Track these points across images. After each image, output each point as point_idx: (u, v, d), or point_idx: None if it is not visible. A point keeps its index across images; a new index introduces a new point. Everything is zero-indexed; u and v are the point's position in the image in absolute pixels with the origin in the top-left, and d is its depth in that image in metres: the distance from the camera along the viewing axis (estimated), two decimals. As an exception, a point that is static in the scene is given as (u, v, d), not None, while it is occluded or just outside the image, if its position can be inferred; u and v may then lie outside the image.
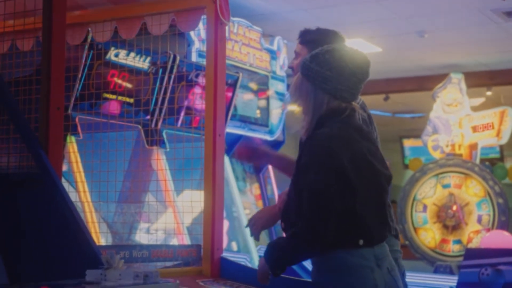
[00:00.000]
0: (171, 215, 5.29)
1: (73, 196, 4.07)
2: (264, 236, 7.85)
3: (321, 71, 2.73)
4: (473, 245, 9.07)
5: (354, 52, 2.81)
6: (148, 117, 5.48)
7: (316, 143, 2.67)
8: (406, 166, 13.74)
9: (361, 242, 2.65)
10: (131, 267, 2.80)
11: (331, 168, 2.61)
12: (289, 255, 2.71)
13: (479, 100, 11.20)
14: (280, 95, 7.79)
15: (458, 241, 9.50)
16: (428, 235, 9.64)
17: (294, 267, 5.69)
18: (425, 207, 9.70)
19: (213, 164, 3.71)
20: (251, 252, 6.80)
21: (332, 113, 2.73)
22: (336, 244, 2.64)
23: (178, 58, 5.56)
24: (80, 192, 4.81)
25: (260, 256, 6.73)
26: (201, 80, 5.44)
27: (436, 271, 9.20)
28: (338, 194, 2.60)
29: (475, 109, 10.22)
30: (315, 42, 3.24)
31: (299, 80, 2.82)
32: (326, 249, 2.65)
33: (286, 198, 2.88)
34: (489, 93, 11.09)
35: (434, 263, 9.45)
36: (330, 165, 2.61)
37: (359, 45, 8.99)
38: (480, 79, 10.63)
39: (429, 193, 9.68)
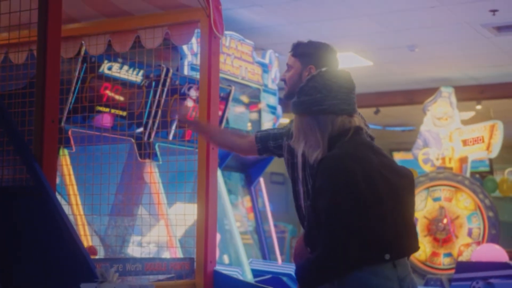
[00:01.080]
0: (163, 228, 5.28)
1: (65, 209, 4.06)
2: (256, 250, 7.85)
3: (312, 97, 2.79)
4: (463, 258, 9.09)
5: (332, 70, 2.89)
6: (141, 130, 5.49)
7: (329, 165, 2.69)
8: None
9: (387, 256, 2.63)
10: (125, 280, 2.80)
11: (346, 187, 2.63)
12: (316, 275, 2.69)
13: (469, 114, 11.27)
14: (272, 108, 7.82)
15: (449, 254, 9.52)
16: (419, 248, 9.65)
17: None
18: (416, 220, 9.71)
19: (207, 177, 3.72)
20: (243, 265, 6.79)
21: (339, 134, 2.77)
22: (360, 261, 2.62)
23: (171, 71, 5.57)
24: (73, 205, 4.80)
25: (252, 270, 6.73)
26: (194, 93, 5.45)
27: (427, 284, 9.21)
28: (354, 212, 2.61)
29: (465, 122, 10.28)
30: (308, 55, 3.27)
31: (297, 121, 2.85)
32: (349, 267, 2.63)
33: (300, 240, 2.90)
34: (479, 107, 11.15)
35: (425, 276, 9.47)
36: (345, 185, 2.63)
37: (350, 59, 9.04)
38: (470, 93, 10.70)
39: (419, 206, 9.70)
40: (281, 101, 8.11)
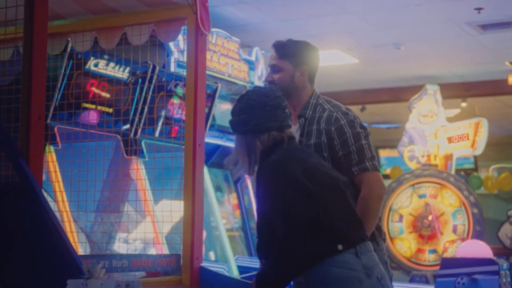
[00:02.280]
0: (149, 225, 5.28)
1: (51, 206, 4.06)
2: (242, 246, 7.86)
3: (240, 118, 2.93)
4: (448, 254, 9.14)
5: (257, 89, 3.01)
6: (127, 126, 5.48)
7: (266, 169, 2.82)
8: (383, 176, 13.82)
9: (340, 247, 2.70)
10: (112, 276, 2.80)
11: (288, 184, 2.73)
12: (278, 279, 2.73)
13: (454, 111, 11.32)
14: (258, 106, 7.81)
15: (434, 251, 9.58)
16: (404, 244, 9.71)
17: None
18: (401, 217, 9.76)
19: (193, 173, 3.73)
20: (229, 262, 6.80)
21: (274, 145, 2.88)
22: (318, 254, 2.68)
23: (157, 68, 5.57)
24: (59, 201, 4.79)
25: (238, 266, 6.74)
26: (180, 90, 5.46)
27: (412, 280, 9.26)
28: (302, 205, 2.70)
29: (450, 120, 10.33)
30: (297, 56, 3.23)
31: (236, 141, 2.99)
32: (309, 262, 2.69)
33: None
34: (464, 104, 11.21)
35: (410, 272, 9.52)
36: (286, 182, 2.73)
37: (336, 56, 9.06)
38: (455, 90, 10.76)
39: (405, 203, 9.75)
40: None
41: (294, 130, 3.21)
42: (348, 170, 3.08)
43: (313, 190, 2.73)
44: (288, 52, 3.25)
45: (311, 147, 3.10)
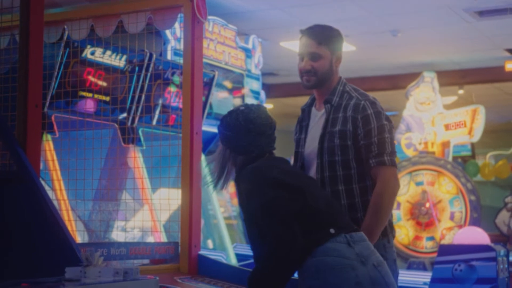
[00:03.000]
0: (147, 213, 5.29)
1: (49, 194, 4.06)
2: (240, 235, 7.88)
3: (224, 132, 2.97)
4: (446, 241, 9.17)
5: (248, 110, 2.97)
6: (125, 115, 5.48)
7: (245, 176, 2.87)
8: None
9: (332, 230, 2.72)
10: (110, 264, 2.80)
11: (268, 183, 2.77)
12: (273, 277, 2.72)
13: (452, 99, 11.33)
14: (255, 93, 7.82)
15: (431, 238, 9.61)
16: (402, 232, 9.73)
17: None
18: (398, 204, 9.78)
19: (191, 161, 3.72)
20: (227, 250, 6.82)
21: (254, 158, 2.92)
22: (310, 243, 2.69)
23: (154, 56, 5.55)
24: (57, 190, 4.80)
25: (236, 254, 6.76)
26: (177, 78, 5.45)
27: (410, 267, 9.29)
28: (286, 199, 2.73)
29: (447, 107, 10.34)
30: (334, 42, 3.23)
31: (218, 146, 3.04)
32: (303, 253, 2.69)
33: None
34: (461, 91, 11.21)
35: (408, 259, 9.55)
36: (266, 182, 2.77)
37: (334, 44, 9.04)
38: (452, 77, 10.75)
39: (402, 191, 9.77)
40: (264, 86, 8.12)
41: (319, 115, 3.21)
42: (366, 161, 3.07)
43: (294, 184, 2.78)
44: (326, 38, 3.22)
45: (335, 134, 3.08)
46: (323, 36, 3.21)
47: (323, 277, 2.68)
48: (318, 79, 3.19)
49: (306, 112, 3.30)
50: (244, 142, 2.92)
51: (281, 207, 2.71)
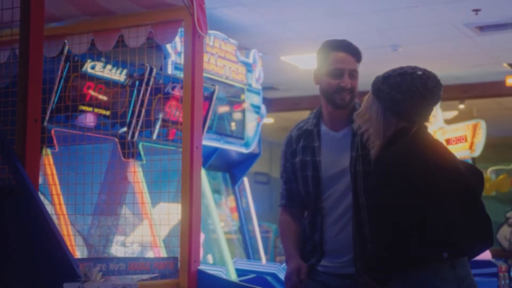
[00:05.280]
0: (147, 228, 5.27)
1: (48, 209, 4.05)
2: (240, 249, 7.85)
3: (392, 93, 2.72)
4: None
5: (426, 77, 2.76)
6: (125, 129, 5.47)
7: (384, 163, 2.66)
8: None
9: (445, 255, 2.56)
10: (109, 280, 2.79)
11: (400, 185, 2.58)
12: (381, 265, 2.62)
13: (452, 113, 11.33)
14: (256, 108, 7.82)
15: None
16: (403, 247, 9.68)
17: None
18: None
19: (191, 176, 3.71)
20: (227, 265, 6.79)
21: (400, 132, 2.71)
22: (418, 260, 2.56)
23: (154, 70, 5.55)
24: (56, 205, 4.78)
25: (236, 269, 6.73)
26: (178, 92, 5.44)
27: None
28: (410, 208, 2.55)
29: (448, 122, 10.33)
30: (361, 58, 3.21)
31: (370, 100, 2.81)
32: (409, 266, 2.57)
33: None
34: (462, 106, 11.21)
35: (409, 275, 9.49)
36: (399, 183, 2.58)
37: (334, 58, 9.04)
38: (453, 92, 10.75)
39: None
40: (264, 100, 8.12)
41: (338, 136, 3.11)
42: None
43: (426, 195, 2.56)
44: (360, 56, 3.20)
45: (371, 157, 2.87)
46: (359, 54, 3.20)
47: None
48: (352, 98, 3.14)
49: (315, 132, 3.19)
50: (413, 109, 2.70)
51: (402, 212, 2.54)
